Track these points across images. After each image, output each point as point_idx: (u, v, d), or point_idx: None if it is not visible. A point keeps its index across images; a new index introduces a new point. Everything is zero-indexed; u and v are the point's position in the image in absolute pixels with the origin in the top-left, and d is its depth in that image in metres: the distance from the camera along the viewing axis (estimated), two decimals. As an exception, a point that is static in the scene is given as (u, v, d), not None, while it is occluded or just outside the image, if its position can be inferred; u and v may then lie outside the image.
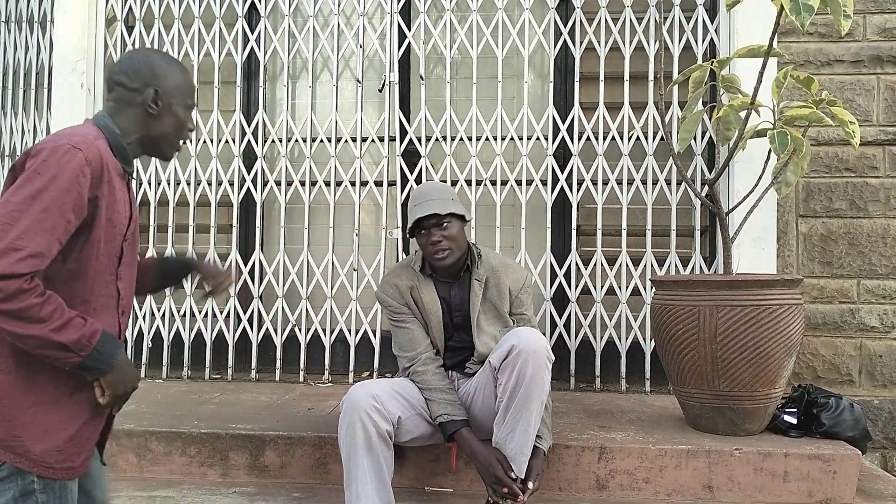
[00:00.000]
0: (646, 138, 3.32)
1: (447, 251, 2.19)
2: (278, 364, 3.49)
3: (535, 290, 2.54)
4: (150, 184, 3.64)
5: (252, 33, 3.61)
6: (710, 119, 3.21)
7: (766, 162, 2.79)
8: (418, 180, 3.45)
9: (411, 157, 3.48)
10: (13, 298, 1.21)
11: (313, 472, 2.50)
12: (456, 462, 2.37)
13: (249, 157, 3.59)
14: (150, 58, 1.55)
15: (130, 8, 3.70)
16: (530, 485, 2.03)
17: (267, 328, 3.50)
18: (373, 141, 3.53)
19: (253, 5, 3.62)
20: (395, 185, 3.50)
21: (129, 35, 3.70)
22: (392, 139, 3.51)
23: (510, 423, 2.02)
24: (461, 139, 3.43)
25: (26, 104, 3.80)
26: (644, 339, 3.29)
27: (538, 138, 3.39)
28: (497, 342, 2.22)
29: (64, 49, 3.63)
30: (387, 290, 2.33)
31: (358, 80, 3.54)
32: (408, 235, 2.29)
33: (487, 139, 3.41)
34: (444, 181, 3.42)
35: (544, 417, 2.13)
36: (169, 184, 3.61)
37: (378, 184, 3.51)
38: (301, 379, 3.44)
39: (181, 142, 1.59)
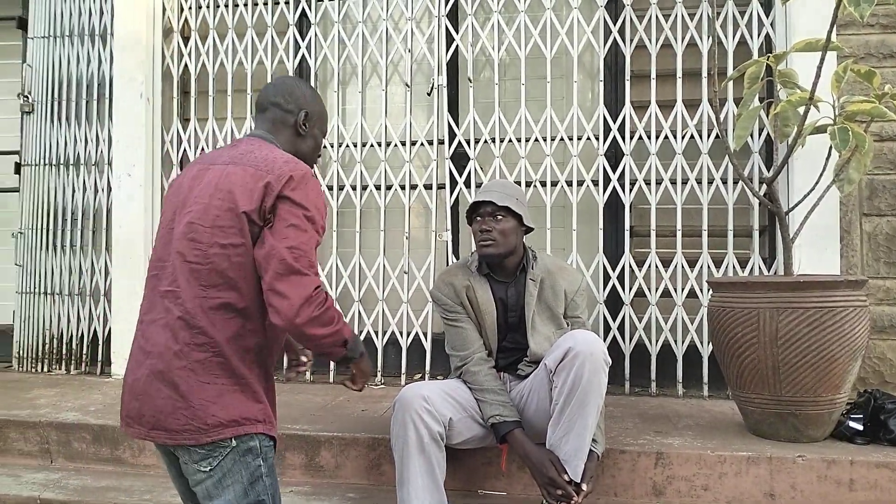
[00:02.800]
0: (700, 136, 3.25)
1: (491, 241, 2.21)
2: (332, 366, 3.53)
3: (588, 293, 2.51)
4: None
5: (303, 41, 3.67)
6: (766, 115, 3.13)
7: (827, 159, 2.70)
8: (467, 183, 3.45)
9: (460, 159, 3.48)
10: (323, 305, 1.48)
11: (367, 472, 2.52)
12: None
13: (301, 163, 3.64)
14: (299, 84, 1.76)
15: (186, 19, 3.80)
16: (584, 487, 2.01)
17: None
18: (422, 144, 3.54)
19: (304, 13, 3.68)
20: (444, 188, 3.51)
21: (185, 45, 3.80)
22: (441, 142, 3.52)
23: (565, 426, 1.99)
24: (510, 141, 3.42)
25: (89, 114, 3.93)
26: (701, 342, 3.22)
27: (589, 138, 3.36)
28: (551, 343, 2.21)
29: (124, 61, 3.75)
30: (442, 288, 2.35)
31: (407, 85, 3.56)
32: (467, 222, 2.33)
33: (537, 140, 3.38)
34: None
35: (598, 421, 2.10)
36: (224, 190, 3.69)
37: (427, 187, 3.52)
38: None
39: (315, 162, 1.81)
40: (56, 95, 3.96)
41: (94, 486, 2.56)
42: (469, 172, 3.45)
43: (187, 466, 1.51)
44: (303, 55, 3.67)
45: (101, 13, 3.92)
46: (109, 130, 3.86)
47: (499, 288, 2.33)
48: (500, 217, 2.22)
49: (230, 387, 1.48)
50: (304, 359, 1.97)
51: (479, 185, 3.44)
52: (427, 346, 3.45)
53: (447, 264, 3.43)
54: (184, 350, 1.47)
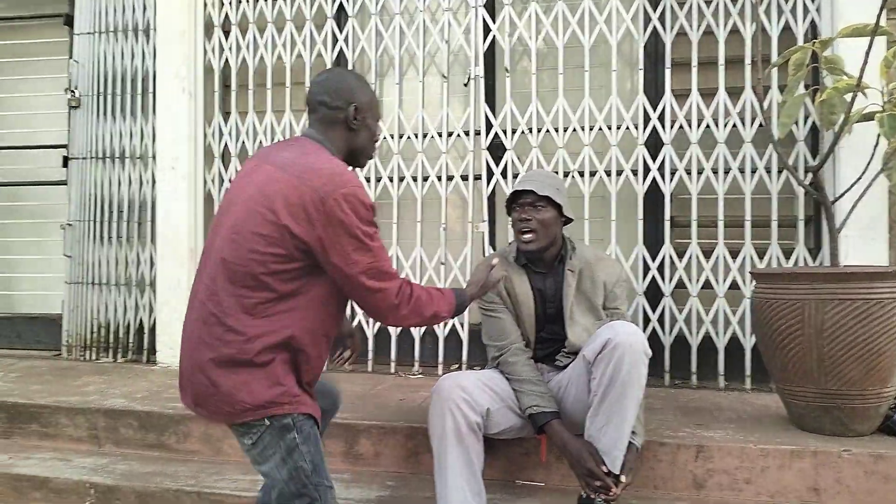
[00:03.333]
0: (742, 125, 3.19)
1: (532, 232, 2.20)
2: (370, 355, 3.57)
3: (628, 284, 2.48)
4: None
5: (341, 33, 3.70)
6: (812, 103, 3.05)
7: (875, 147, 2.64)
8: (504, 174, 3.44)
9: (497, 150, 3.47)
10: (409, 303, 1.67)
11: (405, 461, 2.54)
12: (546, 455, 2.36)
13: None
14: (345, 77, 1.75)
15: (227, 14, 3.86)
16: (623, 478, 1.99)
17: (359, 320, 3.59)
18: (458, 135, 3.54)
19: (341, 6, 3.71)
20: (480, 179, 3.51)
21: (226, 40, 3.86)
22: (477, 133, 3.51)
23: (604, 418, 1.99)
24: (547, 131, 3.39)
25: (133, 109, 4.02)
26: (744, 334, 3.17)
27: (628, 128, 3.32)
28: (590, 335, 2.19)
29: (166, 55, 3.83)
30: None
31: (443, 76, 3.56)
32: (507, 212, 2.32)
33: (574, 130, 3.36)
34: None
35: (638, 413, 2.09)
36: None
37: (464, 178, 3.52)
38: (392, 370, 3.51)
39: (373, 151, 1.84)
40: (102, 90, 4.05)
41: (141, 471, 2.63)
42: (506, 163, 3.44)
43: (237, 439, 1.67)
44: (341, 48, 3.70)
45: (144, 8, 4.00)
46: (153, 124, 3.94)
47: (537, 279, 2.32)
48: (539, 207, 2.20)
49: (256, 376, 1.57)
50: (346, 353, 2.05)
51: (515, 176, 3.43)
52: (464, 336, 3.46)
53: (483, 255, 3.42)
54: (214, 344, 1.58)
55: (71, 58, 4.15)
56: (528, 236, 2.21)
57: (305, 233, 1.55)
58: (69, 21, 4.20)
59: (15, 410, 3.00)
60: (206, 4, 3.85)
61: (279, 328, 1.58)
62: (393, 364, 3.53)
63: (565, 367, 2.27)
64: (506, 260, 2.34)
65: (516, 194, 2.26)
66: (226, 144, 3.85)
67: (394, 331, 3.52)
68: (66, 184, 4.16)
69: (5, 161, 4.56)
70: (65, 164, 4.15)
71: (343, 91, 1.72)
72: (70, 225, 4.09)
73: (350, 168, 1.73)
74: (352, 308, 3.55)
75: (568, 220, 2.31)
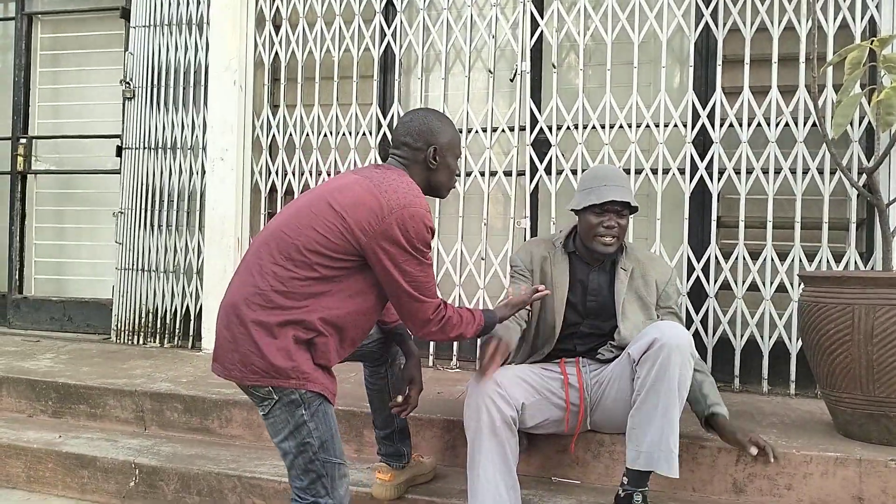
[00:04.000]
0: (795, 124, 3.11)
1: (615, 238, 2.21)
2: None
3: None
4: (293, 174, 3.85)
5: (388, 28, 3.72)
6: (868, 103, 2.96)
7: (935, 148, 2.54)
8: (547, 170, 3.43)
9: (541, 146, 3.46)
10: (440, 321, 1.83)
11: (442, 453, 2.56)
12: (577, 450, 2.37)
13: (385, 149, 3.71)
14: (428, 119, 1.90)
15: (278, 9, 3.92)
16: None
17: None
18: (503, 131, 3.54)
19: (390, 1, 3.73)
20: (523, 174, 3.50)
21: (276, 34, 3.92)
22: (522, 129, 3.50)
23: (646, 417, 1.97)
24: (593, 127, 3.37)
25: (185, 100, 4.12)
26: (790, 338, 3.10)
27: (676, 125, 3.27)
28: (639, 332, 2.19)
29: (218, 49, 3.91)
30: (521, 253, 2.41)
31: (489, 71, 3.56)
32: (574, 209, 2.28)
33: (621, 127, 3.32)
34: (575, 171, 3.37)
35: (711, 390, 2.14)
36: (311, 174, 3.81)
37: (507, 174, 3.52)
38: (430, 363, 3.53)
39: (453, 184, 2.01)
40: (155, 82, 4.16)
41: (184, 453, 2.70)
42: (550, 159, 3.42)
43: (258, 408, 1.77)
44: (388, 43, 3.73)
45: (199, 3, 4.09)
46: (204, 116, 4.03)
47: (581, 269, 2.32)
48: (623, 213, 2.21)
49: (270, 345, 1.66)
50: (399, 398, 2.13)
51: (559, 172, 3.41)
52: (503, 332, 3.45)
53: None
54: (243, 304, 1.69)
55: (126, 50, 4.27)
56: (610, 240, 2.21)
57: (362, 234, 1.69)
58: (125, 14, 4.32)
59: (65, 391, 3.11)
60: (257, -1, 3.93)
61: (304, 308, 1.68)
62: (431, 357, 3.55)
63: (608, 361, 2.26)
64: (552, 244, 2.36)
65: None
66: (273, 136, 3.92)
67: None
68: (118, 173, 4.29)
69: (62, 150, 4.72)
70: (118, 154, 4.27)
71: (424, 133, 1.88)
72: (121, 213, 4.22)
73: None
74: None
75: None
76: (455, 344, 3.53)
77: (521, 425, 2.11)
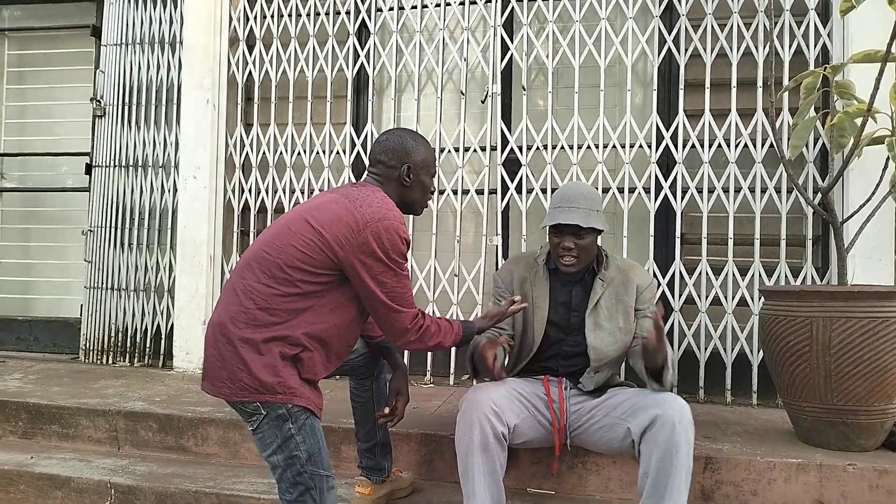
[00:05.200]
0: (754, 145, 3.26)
1: (575, 259, 2.21)
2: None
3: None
4: (267, 192, 3.88)
5: (362, 49, 3.79)
6: (822, 126, 3.12)
7: (884, 170, 2.70)
8: (518, 189, 3.52)
9: (512, 165, 3.55)
10: (419, 331, 1.89)
11: (419, 467, 2.60)
12: (558, 467, 2.41)
13: (359, 168, 3.76)
14: (403, 139, 1.96)
15: (251, 28, 3.96)
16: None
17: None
18: (474, 151, 3.62)
19: (363, 23, 3.80)
20: (495, 193, 3.58)
21: (250, 53, 3.96)
22: (493, 149, 3.59)
23: (658, 497, 1.93)
24: (562, 147, 3.47)
25: (157, 119, 4.12)
26: (751, 350, 3.22)
27: (641, 146, 3.39)
28: (614, 339, 2.24)
29: (191, 67, 3.93)
30: (503, 273, 2.43)
31: (461, 92, 3.65)
32: (543, 227, 2.28)
33: (589, 147, 3.43)
34: (545, 189, 3.47)
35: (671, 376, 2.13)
36: (285, 192, 3.84)
37: (479, 192, 3.60)
38: (405, 380, 3.57)
39: (427, 202, 2.07)
40: (126, 100, 4.16)
41: (160, 472, 2.69)
42: (520, 178, 3.52)
43: (247, 425, 1.81)
44: (361, 63, 3.79)
45: (171, 22, 4.11)
46: (176, 134, 4.04)
47: (564, 286, 2.33)
48: (583, 235, 2.19)
49: (257, 361, 1.71)
50: (386, 409, 2.18)
51: (530, 191, 3.50)
52: (476, 347, 3.51)
53: (496, 268, 3.49)
54: (229, 323, 1.75)
55: (97, 68, 4.26)
56: (569, 261, 2.22)
57: (339, 248, 1.75)
58: (96, 32, 4.32)
59: (36, 411, 3.07)
60: (231, 19, 3.96)
61: (288, 324, 1.74)
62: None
63: (589, 392, 2.27)
64: (534, 262, 2.38)
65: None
66: (247, 155, 3.94)
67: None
68: (87, 190, 4.26)
69: (29, 167, 4.67)
70: (87, 172, 4.25)
71: (399, 152, 1.95)
72: (91, 231, 4.18)
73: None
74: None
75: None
76: (429, 359, 3.58)
77: (509, 442, 2.12)
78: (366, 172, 2.01)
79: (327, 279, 1.77)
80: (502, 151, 3.57)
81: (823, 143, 3.17)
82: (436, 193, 3.63)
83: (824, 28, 3.22)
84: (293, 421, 1.74)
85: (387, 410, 2.17)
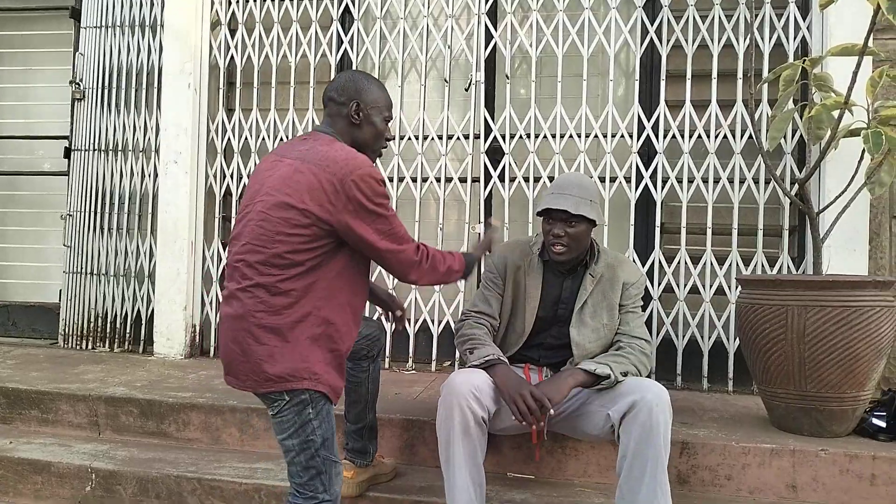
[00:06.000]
0: (733, 136, 3.30)
1: (565, 248, 2.21)
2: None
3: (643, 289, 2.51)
4: (249, 178, 3.86)
5: (346, 35, 3.78)
6: (800, 118, 3.17)
7: (860, 162, 2.75)
8: (501, 177, 3.54)
9: (495, 154, 3.57)
10: (427, 261, 1.89)
11: (401, 452, 2.63)
12: (539, 455, 2.45)
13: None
14: (355, 77, 1.92)
15: (234, 13, 3.93)
16: (552, 411, 2.02)
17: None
18: (458, 139, 3.63)
19: (347, 8, 3.79)
20: (478, 181, 3.60)
21: (232, 38, 3.93)
22: (477, 137, 3.61)
23: (636, 484, 1.95)
24: (545, 137, 3.49)
25: (137, 103, 4.08)
26: (728, 338, 3.28)
27: (622, 136, 3.42)
28: (598, 336, 2.26)
29: (172, 51, 3.89)
30: (496, 258, 2.40)
31: (445, 80, 3.65)
32: (538, 213, 2.29)
33: (571, 136, 3.45)
34: (527, 178, 3.49)
35: (637, 366, 2.17)
36: (266, 178, 3.82)
37: (462, 180, 3.61)
38: (387, 366, 3.59)
39: (381, 148, 1.99)
40: (106, 83, 4.11)
41: (141, 457, 2.69)
42: (503, 167, 3.53)
43: (267, 409, 1.81)
44: (345, 49, 3.78)
45: (152, 4, 4.06)
46: (157, 118, 4.00)
47: (556, 278, 2.34)
48: (574, 223, 2.19)
49: (280, 349, 1.71)
50: (398, 312, 2.27)
51: (512, 180, 3.52)
52: (458, 334, 3.54)
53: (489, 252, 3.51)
54: (245, 316, 1.73)
55: (76, 51, 4.20)
56: (559, 249, 2.22)
57: (329, 215, 1.71)
58: (75, 14, 4.25)
59: (15, 396, 3.06)
60: (213, 3, 3.92)
61: (306, 302, 1.72)
62: (388, 360, 3.61)
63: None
64: (529, 250, 2.38)
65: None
66: (228, 140, 3.92)
67: (389, 328, 3.60)
68: (66, 174, 4.21)
69: (6, 150, 4.60)
70: (66, 156, 4.20)
71: (349, 89, 1.89)
72: (70, 215, 4.14)
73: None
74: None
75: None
76: (412, 346, 3.60)
77: (489, 429, 2.13)
78: (308, 119, 1.96)
79: (326, 248, 1.74)
80: (485, 140, 3.58)
81: (801, 135, 3.22)
82: (418, 180, 3.64)
83: (804, 21, 3.27)
84: (313, 406, 1.74)
85: (399, 313, 2.29)
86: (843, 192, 2.73)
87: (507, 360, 2.20)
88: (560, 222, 2.20)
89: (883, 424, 2.47)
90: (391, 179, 3.69)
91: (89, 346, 4.07)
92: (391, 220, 1.80)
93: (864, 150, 2.64)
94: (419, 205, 3.64)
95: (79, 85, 4.14)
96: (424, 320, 3.60)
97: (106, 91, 4.11)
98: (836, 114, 2.59)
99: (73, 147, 4.16)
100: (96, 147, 4.10)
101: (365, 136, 1.92)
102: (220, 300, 1.82)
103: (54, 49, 4.52)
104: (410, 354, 3.61)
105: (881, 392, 2.67)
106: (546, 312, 2.33)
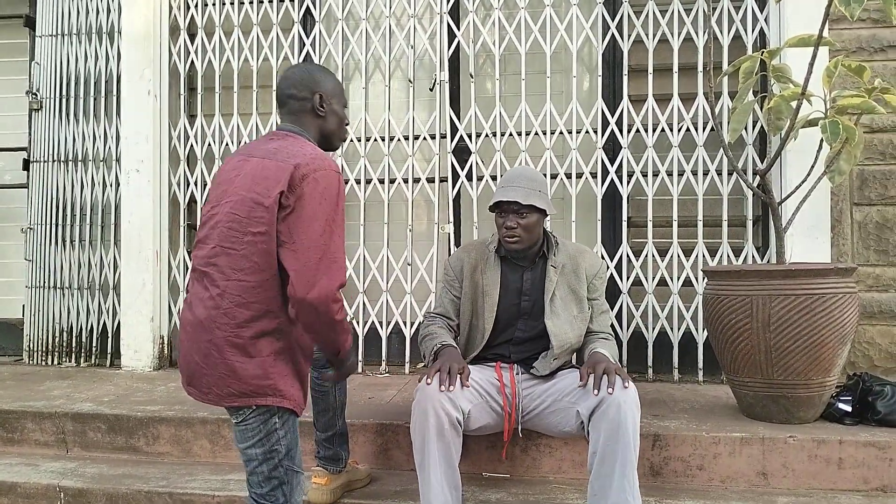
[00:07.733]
0: (696, 129, 3.33)
1: (517, 238, 2.26)
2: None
3: (606, 279, 2.55)
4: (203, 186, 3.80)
5: (307, 37, 3.74)
6: (760, 109, 3.21)
7: (819, 151, 2.79)
8: (469, 177, 3.53)
9: (462, 153, 3.56)
10: (340, 304, 1.68)
11: (375, 457, 2.61)
12: (507, 453, 2.45)
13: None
14: (307, 69, 1.89)
15: (192, 17, 3.87)
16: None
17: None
18: (424, 139, 3.62)
19: (308, 10, 3.75)
20: (446, 181, 3.59)
21: (192, 43, 3.87)
22: (443, 136, 3.60)
23: (606, 481, 1.96)
24: (510, 135, 3.49)
25: (97, 111, 4.00)
26: (696, 329, 3.31)
27: (587, 132, 3.44)
28: (572, 327, 2.28)
29: (131, 58, 3.82)
30: (453, 260, 2.46)
31: (409, 80, 3.64)
32: (490, 209, 2.33)
33: (536, 134, 3.46)
34: (495, 176, 3.49)
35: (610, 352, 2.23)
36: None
37: (430, 180, 3.60)
38: (360, 370, 3.57)
39: (344, 134, 1.98)
40: (64, 92, 4.03)
41: (111, 473, 2.64)
42: (470, 166, 3.53)
43: (231, 416, 1.77)
44: (307, 52, 3.74)
45: (109, 11, 3.99)
46: (117, 127, 3.93)
47: (514, 272, 2.37)
48: (524, 213, 2.24)
49: (243, 365, 1.66)
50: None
51: (480, 178, 3.52)
52: (430, 335, 3.53)
53: (449, 256, 3.50)
54: (209, 327, 1.68)
55: (32, 60, 4.11)
56: (513, 239, 2.26)
57: (289, 203, 1.64)
58: (30, 22, 4.16)
59: (-21, 415, 2.98)
60: (171, 7, 3.86)
61: (266, 308, 1.67)
62: (360, 364, 3.59)
63: (542, 377, 2.29)
64: (485, 249, 2.41)
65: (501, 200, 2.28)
66: (191, 147, 3.86)
67: (361, 330, 3.58)
68: (26, 187, 4.12)
69: (-38, 163, 4.49)
70: (25, 168, 4.11)
71: (307, 82, 1.86)
72: (31, 229, 4.05)
73: (328, 154, 1.86)
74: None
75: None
76: (384, 349, 3.59)
77: (463, 429, 2.12)
78: (280, 117, 1.89)
79: (275, 244, 1.66)
80: (452, 139, 3.58)
81: (762, 127, 3.26)
82: (386, 181, 3.62)
83: (761, 13, 3.31)
84: (279, 416, 1.72)
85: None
86: (803, 182, 2.77)
87: (454, 345, 2.27)
88: (512, 214, 2.25)
89: (849, 409, 2.52)
90: (358, 181, 3.66)
91: (55, 362, 3.99)
92: (342, 236, 1.72)
93: (822, 140, 2.68)
94: (388, 206, 3.62)
95: (36, 95, 4.05)
96: (396, 322, 3.59)
97: (64, 100, 4.03)
98: (794, 104, 2.63)
99: (31, 158, 4.07)
100: (56, 158, 4.02)
101: (331, 125, 1.91)
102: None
103: (9, 59, 4.41)
104: (383, 357, 3.59)
105: (846, 377, 2.72)
106: (508, 305, 2.35)
